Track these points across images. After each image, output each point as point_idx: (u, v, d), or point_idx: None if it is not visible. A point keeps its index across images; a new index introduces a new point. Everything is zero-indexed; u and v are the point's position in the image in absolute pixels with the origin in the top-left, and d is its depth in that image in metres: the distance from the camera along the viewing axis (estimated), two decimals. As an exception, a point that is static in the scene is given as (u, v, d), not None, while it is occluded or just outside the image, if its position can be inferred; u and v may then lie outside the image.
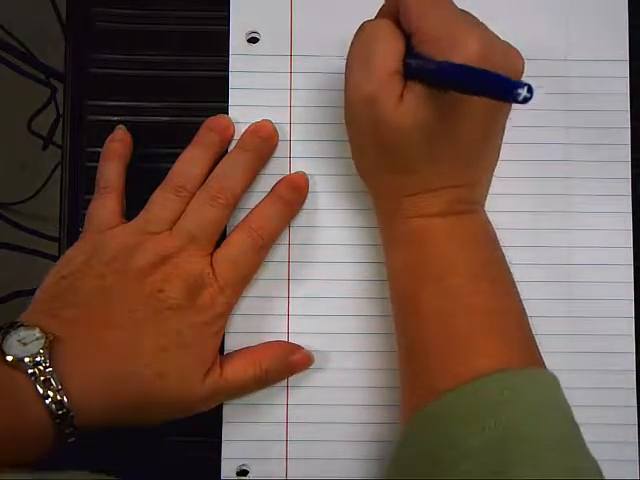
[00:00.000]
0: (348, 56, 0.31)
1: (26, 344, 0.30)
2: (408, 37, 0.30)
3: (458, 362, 0.29)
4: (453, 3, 0.30)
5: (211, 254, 0.34)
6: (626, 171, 0.37)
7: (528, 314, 0.32)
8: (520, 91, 0.24)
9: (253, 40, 0.38)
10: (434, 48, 0.28)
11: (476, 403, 0.28)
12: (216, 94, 0.37)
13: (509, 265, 0.33)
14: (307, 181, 0.36)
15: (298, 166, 0.37)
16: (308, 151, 0.37)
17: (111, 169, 0.36)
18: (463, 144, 0.30)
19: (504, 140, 0.33)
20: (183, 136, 0.36)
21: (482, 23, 0.30)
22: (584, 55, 0.38)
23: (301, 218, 0.37)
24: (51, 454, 0.30)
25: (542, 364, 0.31)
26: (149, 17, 0.38)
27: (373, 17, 0.32)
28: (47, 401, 0.29)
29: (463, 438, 0.27)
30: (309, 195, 0.37)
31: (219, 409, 0.36)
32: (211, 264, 0.34)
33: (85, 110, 0.38)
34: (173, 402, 0.33)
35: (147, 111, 0.38)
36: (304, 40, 0.38)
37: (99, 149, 0.37)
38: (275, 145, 0.37)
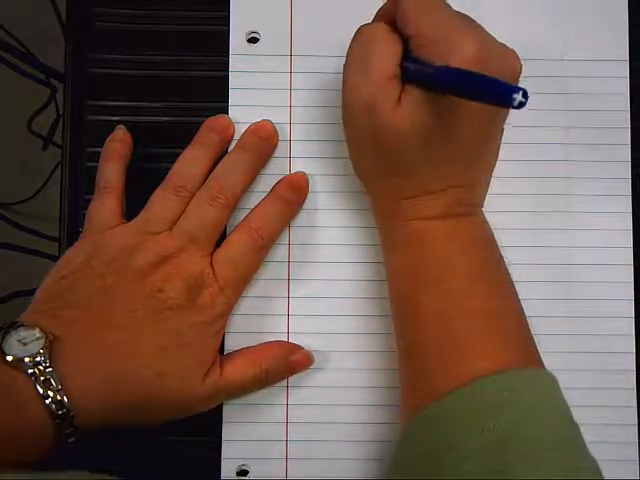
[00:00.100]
0: (346, 59, 0.31)
1: (26, 344, 0.30)
2: (405, 41, 0.30)
3: (457, 364, 0.29)
4: (450, 6, 0.30)
5: (211, 254, 0.34)
6: (626, 171, 0.37)
7: (528, 314, 0.32)
8: (515, 96, 0.24)
9: (253, 40, 0.38)
10: (431, 52, 0.28)
11: (475, 405, 0.28)
12: (216, 94, 0.37)
13: (509, 265, 0.33)
14: (307, 181, 0.37)
15: (298, 166, 0.37)
16: (308, 151, 0.37)
17: (111, 169, 0.36)
18: (461, 147, 0.30)
19: (503, 140, 0.33)
20: (183, 136, 0.36)
21: (479, 25, 0.30)
22: (583, 55, 0.38)
23: (301, 218, 0.37)
24: (51, 454, 0.30)
25: (541, 364, 0.31)
26: (149, 17, 0.38)
27: (371, 19, 0.33)
28: (47, 401, 0.29)
29: (462, 440, 0.27)
30: (309, 195, 0.37)
31: (219, 409, 0.36)
32: (211, 264, 0.34)
33: (85, 110, 0.38)
34: (173, 402, 0.33)
35: (147, 111, 0.38)
36: (304, 40, 0.38)
37: (99, 149, 0.37)
38: (275, 145, 0.37)
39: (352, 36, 0.31)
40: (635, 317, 0.37)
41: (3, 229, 0.87)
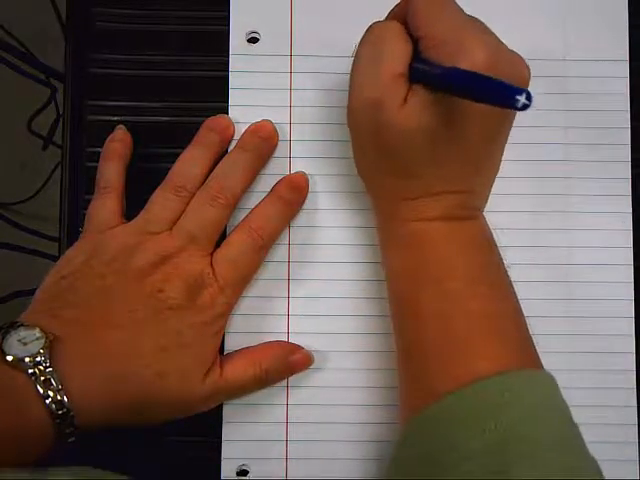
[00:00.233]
0: (355, 56, 0.31)
1: (26, 344, 0.30)
2: (416, 41, 0.30)
3: (458, 364, 0.29)
4: (461, 9, 0.30)
5: (211, 254, 0.34)
6: (626, 171, 0.37)
7: (527, 314, 0.32)
8: (519, 97, 0.24)
9: (253, 40, 0.38)
10: (441, 53, 0.28)
11: (476, 405, 0.28)
12: (216, 94, 0.37)
13: (509, 265, 0.33)
14: (307, 181, 0.36)
15: (298, 166, 0.37)
16: (308, 151, 0.37)
17: (111, 169, 0.36)
18: (467, 149, 0.30)
19: (503, 140, 0.33)
20: (183, 136, 0.36)
21: (491, 31, 0.29)
22: (583, 55, 0.38)
23: (301, 218, 0.37)
24: (51, 454, 0.30)
25: (540, 365, 0.31)
26: (149, 17, 0.38)
27: (375, 18, 0.32)
28: (47, 401, 0.29)
29: (463, 441, 0.27)
30: (309, 195, 0.37)
31: (219, 409, 0.36)
32: (211, 264, 0.34)
33: (85, 110, 0.38)
34: (173, 402, 0.33)
35: (147, 111, 0.38)
36: (304, 40, 0.38)
37: (99, 149, 0.37)
38: (275, 145, 0.37)
39: (359, 36, 0.31)
40: (635, 317, 0.37)
41: (3, 229, 0.87)
